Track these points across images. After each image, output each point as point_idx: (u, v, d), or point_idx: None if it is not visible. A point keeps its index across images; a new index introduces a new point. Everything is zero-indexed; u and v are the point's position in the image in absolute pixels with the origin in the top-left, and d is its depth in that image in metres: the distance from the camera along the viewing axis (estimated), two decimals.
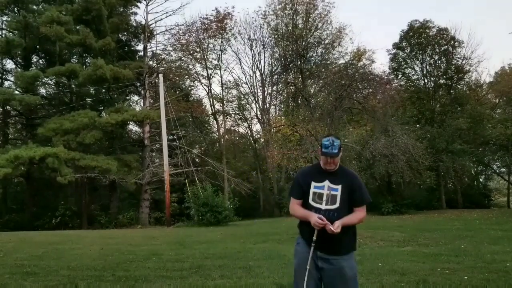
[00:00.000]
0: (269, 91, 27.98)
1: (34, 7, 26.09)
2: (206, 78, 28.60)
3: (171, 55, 28.05)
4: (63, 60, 25.01)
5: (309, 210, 2.95)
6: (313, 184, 3.00)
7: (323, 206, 2.95)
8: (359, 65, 25.79)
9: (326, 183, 2.98)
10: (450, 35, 26.70)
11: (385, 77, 25.37)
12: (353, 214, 2.98)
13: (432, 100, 27.38)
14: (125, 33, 27.86)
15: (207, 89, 29.02)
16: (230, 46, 27.81)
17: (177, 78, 29.06)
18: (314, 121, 20.43)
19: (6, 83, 26.29)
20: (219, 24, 26.89)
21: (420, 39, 26.89)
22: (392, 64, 28.42)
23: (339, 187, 2.96)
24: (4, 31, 26.34)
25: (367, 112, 21.66)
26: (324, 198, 2.95)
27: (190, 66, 28.91)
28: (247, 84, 28.36)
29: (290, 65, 26.45)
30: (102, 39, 23.01)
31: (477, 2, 67.54)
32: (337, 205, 2.94)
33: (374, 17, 67.54)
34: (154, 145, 27.84)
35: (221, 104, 29.32)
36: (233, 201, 19.40)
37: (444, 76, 27.49)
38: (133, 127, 29.12)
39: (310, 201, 2.98)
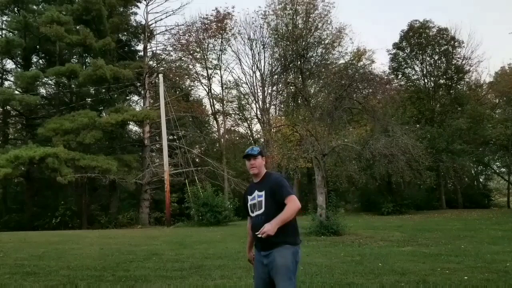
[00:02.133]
0: (269, 91, 27.98)
1: (34, 7, 26.08)
2: (206, 78, 28.61)
3: (171, 55, 28.07)
4: (63, 60, 25.02)
5: (252, 219, 3.24)
6: (248, 198, 3.30)
7: (254, 213, 3.21)
8: (359, 65, 25.73)
9: (256, 193, 3.22)
10: (450, 35, 26.73)
11: (385, 77, 25.32)
12: (284, 209, 3.01)
13: (432, 100, 27.39)
14: (125, 33, 27.87)
15: (207, 89, 29.04)
16: (230, 46, 27.82)
17: (177, 78, 29.06)
18: (314, 121, 20.39)
19: (6, 83, 26.29)
20: (219, 24, 26.88)
21: (420, 39, 26.91)
22: (392, 64, 28.45)
23: (263, 192, 3.16)
24: (4, 31, 26.35)
25: (367, 112, 21.61)
26: (256, 206, 3.20)
27: (190, 66, 28.92)
28: (247, 84, 28.36)
29: (290, 65, 26.42)
30: (102, 39, 23.00)
31: (477, 2, 67.59)
32: (263, 209, 3.14)
33: (374, 17, 67.52)
34: (154, 145, 27.83)
35: (221, 104, 29.31)
36: (233, 201, 19.40)
37: (444, 76, 27.51)
38: (133, 127, 29.14)
39: (249, 213, 3.29)
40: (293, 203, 3.02)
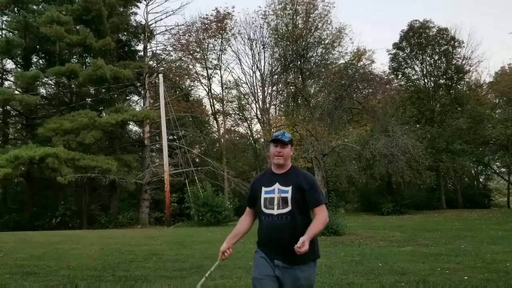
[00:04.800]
0: (269, 91, 27.95)
1: (34, 7, 26.07)
2: (206, 78, 28.59)
3: (171, 55, 28.05)
4: (63, 60, 25.00)
5: (263, 217, 2.76)
6: (263, 189, 2.78)
7: (275, 211, 2.70)
8: (359, 65, 25.75)
9: (276, 186, 2.75)
10: (450, 35, 26.73)
11: (385, 77, 25.39)
12: (315, 220, 2.67)
13: (432, 100, 27.39)
14: (125, 33, 27.85)
15: (207, 89, 29.02)
16: (230, 46, 27.79)
17: (177, 78, 29.05)
18: (314, 121, 20.43)
19: (6, 83, 26.28)
20: (219, 24, 26.87)
21: (420, 39, 26.91)
22: (392, 64, 28.46)
23: (290, 188, 2.70)
24: (4, 31, 26.35)
25: (367, 112, 21.66)
26: (275, 202, 2.71)
27: (190, 66, 28.90)
28: (247, 84, 28.33)
29: (290, 65, 26.41)
30: (102, 39, 22.99)
31: (477, 2, 67.58)
32: (289, 207, 2.68)
33: (374, 17, 67.54)
34: (154, 145, 27.82)
35: (221, 104, 29.29)
36: (233, 201, 19.37)
37: (444, 76, 27.51)
38: (133, 127, 29.12)
39: (262, 208, 2.76)
40: (325, 215, 2.71)
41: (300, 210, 2.69)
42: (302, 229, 2.62)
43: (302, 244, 2.47)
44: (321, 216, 2.68)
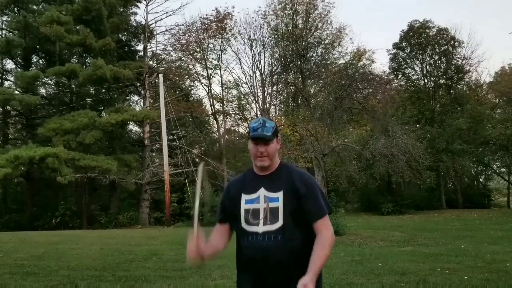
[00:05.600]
0: (269, 91, 27.95)
1: (34, 7, 26.06)
2: (206, 78, 28.58)
3: (171, 55, 28.03)
4: (63, 60, 24.99)
5: (243, 238, 1.97)
6: (243, 197, 2.00)
7: (261, 228, 1.91)
8: (359, 65, 25.77)
9: (262, 192, 1.97)
10: (450, 35, 26.75)
11: (385, 77, 25.39)
12: (318, 244, 1.87)
13: (432, 100, 27.40)
14: (125, 33, 27.84)
15: (207, 89, 29.00)
16: (230, 46, 27.78)
17: (177, 78, 29.04)
18: (314, 121, 20.44)
19: (6, 83, 26.26)
20: (219, 24, 26.86)
21: (420, 39, 26.92)
22: (392, 64, 28.47)
23: (280, 194, 1.93)
24: (4, 31, 26.34)
25: (367, 112, 21.68)
26: (261, 215, 1.93)
27: (190, 66, 28.89)
28: (247, 84, 28.33)
29: (290, 65, 26.42)
30: (102, 39, 22.98)
31: (477, 2, 67.58)
32: (280, 222, 1.90)
33: (374, 17, 67.51)
34: (154, 145, 27.82)
35: (221, 104, 29.29)
36: None
37: (444, 76, 27.52)
38: (133, 127, 29.10)
39: (243, 224, 1.97)
40: (330, 233, 1.92)
41: (297, 224, 1.92)
42: (301, 252, 1.89)
43: (300, 284, 1.71)
44: (325, 237, 1.89)
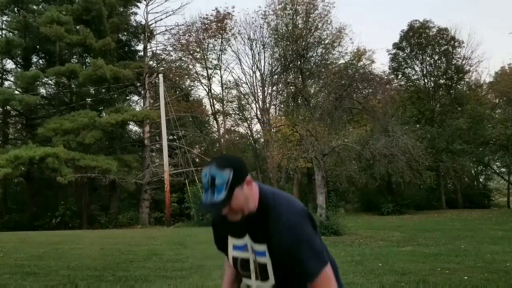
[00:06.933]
0: (269, 91, 27.98)
1: (34, 7, 26.07)
2: (206, 78, 28.61)
3: (171, 55, 28.08)
4: (63, 60, 25.01)
5: (239, 278, 1.78)
6: (230, 241, 1.72)
7: (254, 282, 1.68)
8: (359, 65, 25.75)
9: (247, 240, 1.65)
10: (450, 35, 26.74)
11: (385, 77, 25.34)
12: None
13: (432, 100, 27.39)
14: (125, 33, 27.86)
15: (207, 89, 29.03)
16: (230, 46, 27.82)
17: (177, 78, 29.06)
18: (314, 121, 20.40)
19: (6, 83, 26.28)
20: (219, 24, 26.89)
21: (420, 39, 26.91)
22: (392, 64, 28.46)
23: (265, 248, 1.60)
24: (4, 31, 26.34)
25: (367, 112, 21.64)
26: (252, 268, 1.66)
27: (190, 66, 28.93)
28: (247, 84, 28.36)
29: (290, 65, 26.42)
30: (102, 39, 23.00)
31: (477, 2, 67.56)
32: (271, 280, 1.63)
33: (374, 17, 67.54)
34: (154, 145, 27.83)
35: (221, 104, 29.32)
36: None
37: (444, 76, 27.51)
38: (133, 127, 29.13)
39: (238, 269, 1.74)
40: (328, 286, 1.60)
41: (291, 281, 1.62)
42: None
43: None
44: None
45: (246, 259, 1.64)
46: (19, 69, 25.87)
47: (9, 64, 27.11)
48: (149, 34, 26.89)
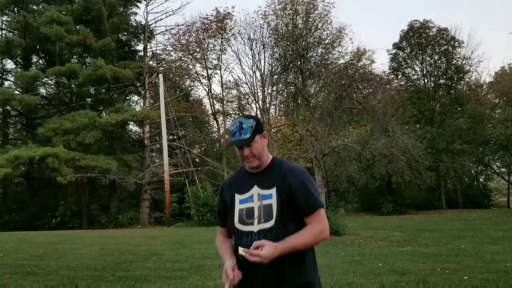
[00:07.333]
0: (269, 91, 27.98)
1: (34, 7, 26.06)
2: (206, 78, 28.62)
3: (171, 55, 28.09)
4: (63, 60, 25.01)
5: (239, 238, 1.94)
6: (237, 198, 1.98)
7: (256, 227, 1.88)
8: (359, 65, 25.77)
9: (255, 190, 1.95)
10: (450, 35, 26.77)
11: (385, 77, 25.36)
12: (303, 230, 1.86)
13: (432, 100, 27.40)
14: (125, 33, 27.86)
15: (207, 89, 29.06)
16: (230, 46, 27.83)
17: (177, 78, 29.06)
18: (314, 121, 20.41)
19: (6, 83, 26.27)
20: (219, 24, 26.90)
21: (420, 39, 26.93)
22: (392, 64, 28.48)
23: (273, 190, 1.90)
24: (4, 31, 26.34)
25: (367, 112, 21.65)
26: (256, 213, 1.90)
27: (190, 66, 28.94)
28: (247, 84, 28.37)
29: (290, 65, 26.43)
30: (102, 39, 23.00)
31: (477, 2, 67.60)
32: (274, 219, 1.86)
33: (374, 17, 67.55)
34: (154, 145, 27.83)
35: (221, 104, 29.33)
36: None
37: (444, 76, 27.53)
38: (133, 127, 29.13)
39: (237, 224, 1.94)
40: (321, 227, 1.88)
41: (291, 220, 1.88)
42: (297, 252, 1.84)
43: (261, 246, 1.72)
44: (313, 228, 1.86)
45: (251, 207, 1.93)
46: (19, 69, 25.85)
47: (9, 64, 27.14)
48: (149, 34, 26.89)
